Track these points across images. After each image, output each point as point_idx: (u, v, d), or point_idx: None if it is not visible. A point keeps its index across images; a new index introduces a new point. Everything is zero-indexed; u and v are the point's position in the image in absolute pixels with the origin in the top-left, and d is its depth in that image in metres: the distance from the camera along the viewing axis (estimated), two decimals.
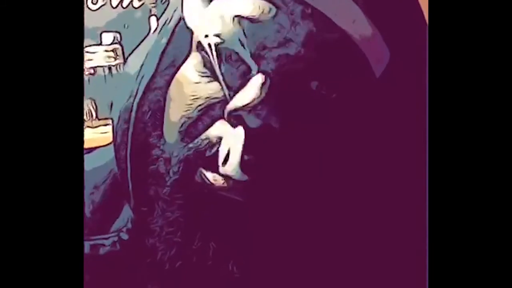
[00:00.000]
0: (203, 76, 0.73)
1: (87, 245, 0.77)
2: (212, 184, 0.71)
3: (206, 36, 0.73)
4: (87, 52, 0.81)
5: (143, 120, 0.76)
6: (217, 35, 0.72)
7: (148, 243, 0.74)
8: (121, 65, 0.82)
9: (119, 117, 0.78)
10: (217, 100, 0.72)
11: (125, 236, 0.77)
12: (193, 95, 0.73)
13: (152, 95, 0.76)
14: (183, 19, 0.75)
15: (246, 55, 0.70)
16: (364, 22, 0.72)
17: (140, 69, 0.78)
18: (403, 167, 0.73)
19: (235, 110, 0.70)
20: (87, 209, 0.79)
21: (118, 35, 0.82)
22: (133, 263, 0.76)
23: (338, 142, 0.72)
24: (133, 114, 0.77)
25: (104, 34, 0.82)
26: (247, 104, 0.70)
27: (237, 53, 0.71)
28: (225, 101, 0.71)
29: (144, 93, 0.76)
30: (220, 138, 0.71)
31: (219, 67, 0.72)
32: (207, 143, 0.71)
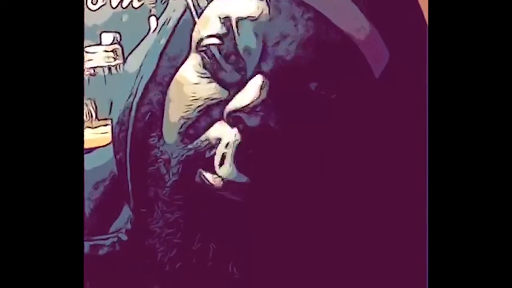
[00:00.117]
0: (202, 77, 0.73)
1: (86, 246, 0.77)
2: (211, 185, 0.71)
3: (206, 37, 0.73)
4: (86, 52, 0.81)
5: (142, 120, 0.76)
6: (216, 36, 0.72)
7: (148, 244, 0.74)
8: (121, 65, 0.82)
9: (118, 118, 0.78)
10: (216, 101, 0.72)
11: (124, 237, 0.77)
12: (192, 96, 0.73)
13: (151, 96, 0.76)
14: None
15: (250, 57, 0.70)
16: (363, 22, 0.72)
17: (139, 70, 0.78)
18: (403, 167, 0.73)
19: (235, 111, 0.70)
20: (86, 210, 0.79)
21: (117, 35, 0.81)
22: (133, 264, 0.76)
23: (338, 142, 0.72)
24: (132, 114, 0.77)
25: (103, 34, 0.82)
26: (247, 105, 0.70)
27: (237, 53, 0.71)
28: (224, 102, 0.71)
29: (143, 93, 0.76)
30: (220, 139, 0.71)
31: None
32: (207, 144, 0.71)
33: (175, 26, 0.76)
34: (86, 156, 0.78)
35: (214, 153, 0.71)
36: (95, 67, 0.82)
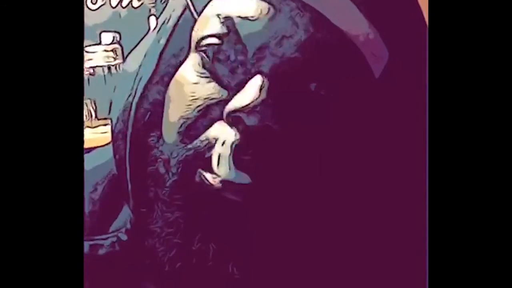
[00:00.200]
0: (202, 77, 0.73)
1: (86, 245, 0.76)
2: (211, 185, 0.71)
3: (205, 36, 0.73)
4: (86, 52, 0.81)
5: (142, 120, 0.76)
6: (216, 36, 0.72)
7: (148, 244, 0.74)
8: (121, 65, 0.81)
9: (118, 117, 0.78)
10: (216, 100, 0.72)
11: (124, 237, 0.77)
12: (192, 96, 0.73)
13: (151, 96, 0.76)
14: None
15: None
16: (363, 23, 0.72)
17: (139, 69, 0.78)
18: (403, 167, 0.73)
19: (234, 111, 0.70)
20: (86, 209, 0.79)
21: (117, 35, 0.81)
22: (133, 264, 0.76)
23: (338, 142, 0.72)
24: (132, 114, 0.76)
25: (103, 34, 0.82)
26: (246, 105, 0.69)
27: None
28: (224, 102, 0.71)
29: (143, 93, 0.76)
30: (219, 139, 0.71)
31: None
32: (206, 144, 0.71)
33: (175, 25, 0.76)
34: (85, 156, 0.77)
35: (213, 153, 0.71)
36: (95, 66, 0.82)
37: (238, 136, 0.70)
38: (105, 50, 0.82)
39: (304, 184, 0.71)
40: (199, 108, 0.72)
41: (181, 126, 0.73)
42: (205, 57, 0.73)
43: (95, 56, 0.82)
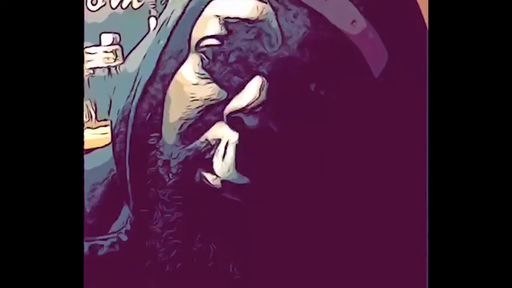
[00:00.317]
0: (201, 78, 0.73)
1: (85, 246, 0.76)
2: (211, 185, 0.71)
3: (205, 37, 0.73)
4: (86, 53, 0.81)
5: (142, 121, 0.76)
6: (216, 37, 0.72)
7: (148, 245, 0.74)
8: (121, 66, 0.82)
9: (117, 118, 0.78)
10: (216, 101, 0.72)
11: (124, 238, 0.77)
12: (192, 97, 0.73)
13: (151, 96, 0.76)
14: None
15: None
16: (362, 23, 0.72)
17: (138, 70, 0.77)
18: (403, 167, 0.73)
19: (234, 112, 0.70)
20: (86, 210, 0.79)
21: (117, 36, 0.81)
22: (133, 264, 0.76)
23: (337, 142, 0.72)
24: (132, 115, 0.76)
25: (103, 35, 0.82)
26: (246, 105, 0.69)
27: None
28: (224, 103, 0.71)
29: (142, 94, 0.76)
30: (219, 140, 0.71)
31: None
32: (206, 145, 0.71)
33: (174, 26, 0.76)
34: (86, 157, 0.77)
35: (214, 154, 0.71)
36: (95, 67, 0.82)
37: (238, 137, 0.70)
38: (105, 51, 0.82)
39: (304, 184, 0.71)
40: (199, 109, 0.72)
41: (181, 127, 0.73)
42: (205, 58, 0.73)
43: (95, 57, 0.82)
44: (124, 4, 0.81)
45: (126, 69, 0.81)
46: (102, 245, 0.77)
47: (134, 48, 0.80)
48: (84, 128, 0.81)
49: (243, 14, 0.71)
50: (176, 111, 0.73)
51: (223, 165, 0.71)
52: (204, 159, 0.71)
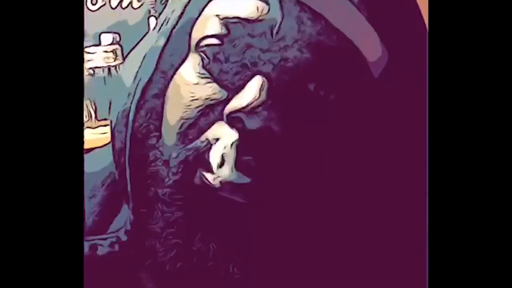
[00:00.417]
0: (201, 77, 0.73)
1: (85, 246, 0.76)
2: (211, 185, 0.71)
3: (205, 37, 0.73)
4: (86, 52, 0.81)
5: (141, 121, 0.76)
6: (216, 36, 0.72)
7: (148, 244, 0.74)
8: (120, 65, 0.81)
9: (117, 118, 0.78)
10: (216, 101, 0.72)
11: (124, 237, 0.77)
12: (192, 96, 0.73)
13: (150, 96, 0.76)
14: None
15: None
16: (362, 23, 0.72)
17: (138, 70, 0.77)
18: (403, 167, 0.73)
19: (234, 111, 0.70)
20: (86, 210, 0.79)
21: (117, 36, 0.81)
22: (133, 264, 0.76)
23: (337, 143, 0.72)
24: (131, 115, 0.76)
25: (103, 35, 0.82)
26: (246, 105, 0.70)
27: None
28: (224, 102, 0.71)
29: (142, 93, 0.76)
30: (219, 140, 0.71)
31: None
32: (206, 144, 0.71)
33: (174, 26, 0.76)
34: (85, 156, 0.77)
35: (214, 154, 0.71)
36: (95, 67, 0.82)
37: (238, 136, 0.70)
38: (105, 51, 0.82)
39: (304, 184, 0.71)
40: (199, 109, 0.72)
41: (181, 126, 0.73)
42: (205, 57, 0.73)
43: (95, 57, 0.82)
44: (124, 4, 0.81)
45: (126, 69, 0.81)
46: (102, 245, 0.77)
47: (133, 48, 0.80)
48: (84, 128, 0.80)
49: (243, 14, 0.71)
50: (176, 110, 0.73)
51: (223, 165, 0.70)
52: (204, 159, 0.71)
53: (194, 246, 0.72)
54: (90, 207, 0.79)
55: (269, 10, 0.71)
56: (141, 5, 0.81)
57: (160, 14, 0.79)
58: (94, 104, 0.82)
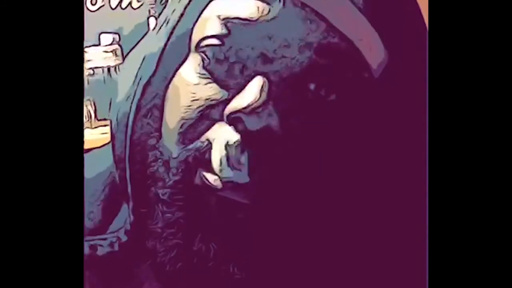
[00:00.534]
0: (202, 78, 0.73)
1: (85, 245, 0.76)
2: (212, 185, 0.71)
3: (206, 37, 0.73)
4: (85, 53, 0.81)
5: (142, 121, 0.76)
6: (216, 37, 0.72)
7: (148, 245, 0.74)
8: (120, 66, 0.81)
9: (117, 118, 0.78)
10: (216, 101, 0.72)
11: (124, 237, 0.77)
12: (192, 97, 0.73)
13: (151, 96, 0.76)
14: None
15: None
16: (363, 23, 0.72)
17: (138, 70, 0.77)
18: (403, 167, 0.73)
19: (235, 112, 0.70)
20: (86, 210, 0.79)
21: (117, 36, 0.81)
22: (133, 264, 0.76)
23: (338, 143, 0.72)
24: (131, 115, 0.76)
25: (102, 35, 0.82)
26: (247, 106, 0.69)
27: None
28: (224, 103, 0.71)
29: (142, 94, 0.76)
30: (220, 140, 0.71)
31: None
32: (207, 144, 0.71)
33: (174, 26, 0.76)
34: (85, 156, 0.77)
35: (214, 154, 0.71)
36: (94, 67, 0.82)
37: (238, 137, 0.70)
38: (105, 51, 0.82)
39: (304, 184, 0.71)
40: (199, 109, 0.72)
41: (181, 127, 0.73)
42: (205, 57, 0.72)
43: (95, 57, 0.82)
44: (124, 4, 0.81)
45: (125, 69, 0.81)
46: (102, 245, 0.77)
47: (133, 48, 0.80)
48: (84, 128, 0.80)
49: (243, 14, 0.71)
50: (176, 111, 0.73)
51: (223, 165, 0.70)
52: (204, 159, 0.71)
53: (194, 246, 0.72)
54: (90, 207, 0.79)
55: (269, 10, 0.71)
56: (141, 5, 0.81)
57: (160, 14, 0.79)
58: (94, 104, 0.82)
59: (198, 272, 0.72)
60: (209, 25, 0.73)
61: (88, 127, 0.81)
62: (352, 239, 0.73)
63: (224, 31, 0.72)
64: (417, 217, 0.70)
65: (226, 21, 0.72)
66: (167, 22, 0.77)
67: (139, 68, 0.77)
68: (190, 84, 0.73)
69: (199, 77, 0.73)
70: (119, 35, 0.82)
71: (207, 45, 0.73)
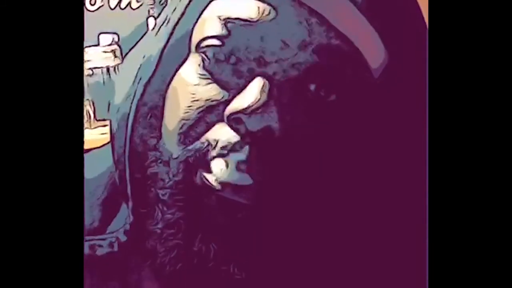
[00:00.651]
0: (202, 78, 0.73)
1: (85, 245, 0.76)
2: (212, 186, 0.71)
3: (206, 38, 0.72)
4: (85, 53, 0.81)
5: (141, 121, 0.76)
6: (217, 37, 0.72)
7: (148, 245, 0.74)
8: (119, 66, 0.81)
9: (117, 118, 0.78)
10: (216, 102, 0.72)
11: (123, 238, 0.77)
12: (192, 97, 0.73)
13: (150, 97, 0.76)
14: None
15: None
16: (363, 24, 0.72)
17: (138, 70, 0.77)
18: (403, 167, 0.73)
19: (235, 112, 0.70)
20: (85, 210, 0.78)
21: (116, 36, 0.81)
22: (133, 264, 0.76)
23: (338, 143, 0.72)
24: (131, 115, 0.76)
25: (102, 35, 0.82)
26: (247, 107, 0.69)
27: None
28: (225, 103, 0.71)
29: (142, 94, 0.76)
30: (220, 141, 0.71)
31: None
32: (207, 145, 0.71)
33: (174, 26, 0.76)
34: (85, 156, 0.77)
35: (214, 154, 0.71)
36: (94, 68, 0.82)
37: (238, 138, 0.70)
38: (104, 51, 0.82)
39: (305, 185, 0.71)
40: (199, 110, 0.72)
41: (181, 127, 0.73)
42: (206, 58, 0.72)
43: (94, 57, 0.82)
44: (123, 4, 0.81)
45: (124, 69, 0.80)
46: (101, 245, 0.77)
47: (132, 48, 0.80)
48: (84, 128, 0.80)
49: (244, 15, 0.71)
50: (177, 111, 0.73)
51: (223, 166, 0.70)
52: (204, 160, 0.71)
53: (194, 246, 0.72)
54: (89, 207, 0.79)
55: (270, 11, 0.71)
56: (140, 5, 0.81)
57: (159, 14, 0.79)
58: (93, 104, 0.82)
59: (198, 272, 0.72)
60: (209, 26, 0.73)
61: (87, 128, 0.81)
62: (352, 240, 0.73)
63: (225, 31, 0.72)
64: (417, 217, 0.70)
65: (226, 22, 0.72)
66: (167, 22, 0.76)
67: (139, 68, 0.77)
68: (190, 85, 0.73)
69: (199, 77, 0.73)
70: (118, 35, 0.82)
71: (207, 46, 0.72)
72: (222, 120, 0.71)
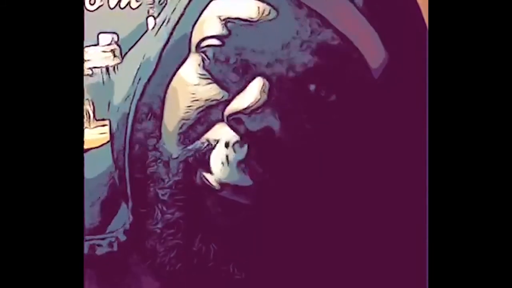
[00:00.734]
0: (202, 78, 0.73)
1: (85, 245, 0.76)
2: (212, 186, 0.71)
3: (206, 37, 0.72)
4: (85, 52, 0.81)
5: (141, 121, 0.76)
6: (217, 37, 0.72)
7: (148, 245, 0.74)
8: (119, 65, 0.81)
9: (116, 118, 0.78)
10: (216, 102, 0.72)
11: (123, 237, 0.77)
12: (192, 97, 0.73)
13: (150, 96, 0.76)
14: None
15: None
16: (362, 24, 0.72)
17: (138, 70, 0.77)
18: (403, 167, 0.73)
19: (235, 113, 0.70)
20: (85, 210, 0.78)
21: (115, 36, 0.81)
22: (132, 264, 0.76)
23: (338, 143, 0.72)
24: (131, 115, 0.76)
25: (101, 35, 0.82)
26: (247, 107, 0.69)
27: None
28: (225, 103, 0.71)
29: (142, 94, 0.76)
30: (220, 141, 0.71)
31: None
32: (207, 145, 0.71)
33: (174, 26, 0.76)
34: (84, 156, 0.77)
35: (214, 155, 0.71)
36: (93, 67, 0.82)
37: (238, 138, 0.70)
38: (104, 51, 0.82)
39: (305, 185, 0.71)
40: (199, 110, 0.72)
41: (181, 127, 0.73)
42: (206, 58, 0.72)
43: (93, 57, 0.82)
44: (122, 4, 0.81)
45: (124, 69, 0.80)
46: (101, 245, 0.77)
47: (132, 48, 0.80)
48: (84, 127, 0.80)
49: (244, 15, 0.71)
50: (176, 111, 0.73)
51: (223, 166, 0.70)
52: (204, 160, 0.71)
53: (194, 246, 0.72)
54: (89, 207, 0.79)
55: (270, 11, 0.71)
56: (140, 5, 0.81)
57: (159, 14, 0.79)
58: (93, 104, 0.82)
59: (198, 272, 0.72)
60: (209, 26, 0.73)
61: (86, 127, 0.81)
62: (352, 240, 0.73)
63: (225, 31, 0.72)
64: (417, 217, 0.70)
65: (226, 22, 0.72)
66: (167, 22, 0.76)
67: (138, 68, 0.77)
68: (190, 85, 0.73)
69: (199, 77, 0.73)
70: (117, 35, 0.82)
71: (207, 46, 0.72)
72: (222, 120, 0.71)
